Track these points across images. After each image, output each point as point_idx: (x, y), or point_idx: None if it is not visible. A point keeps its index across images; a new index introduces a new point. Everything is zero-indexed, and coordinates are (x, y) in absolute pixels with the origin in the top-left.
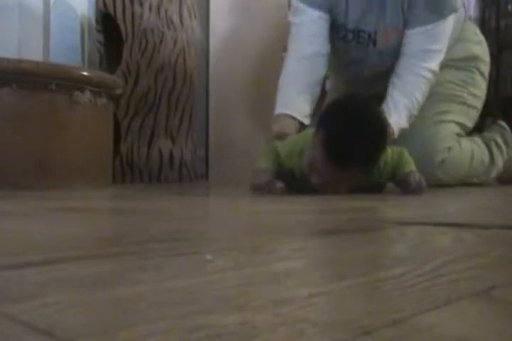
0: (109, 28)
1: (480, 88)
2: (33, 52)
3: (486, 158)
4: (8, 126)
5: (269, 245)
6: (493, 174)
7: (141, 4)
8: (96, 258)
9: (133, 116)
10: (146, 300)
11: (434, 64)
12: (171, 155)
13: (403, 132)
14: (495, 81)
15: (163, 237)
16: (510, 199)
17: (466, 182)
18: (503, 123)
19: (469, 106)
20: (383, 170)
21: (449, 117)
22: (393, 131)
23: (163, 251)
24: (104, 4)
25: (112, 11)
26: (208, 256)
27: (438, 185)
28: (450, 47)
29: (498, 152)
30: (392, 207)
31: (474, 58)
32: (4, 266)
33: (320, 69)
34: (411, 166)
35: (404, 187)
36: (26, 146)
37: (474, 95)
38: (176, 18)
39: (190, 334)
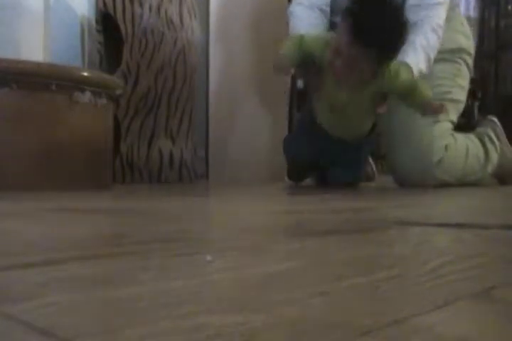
0: (109, 28)
1: (466, 79)
2: (33, 52)
3: (481, 154)
4: (8, 126)
5: (269, 245)
6: (489, 170)
7: (141, 4)
8: (96, 258)
9: (133, 116)
10: (146, 300)
11: (439, 17)
12: (171, 155)
13: (403, 130)
14: (494, 80)
15: (164, 237)
16: (510, 199)
17: (465, 181)
18: (494, 118)
19: (457, 101)
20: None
21: (442, 116)
22: (412, 71)
23: (164, 251)
24: (104, 4)
25: (112, 11)
26: (208, 257)
27: (437, 184)
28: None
29: (493, 147)
30: (392, 207)
31: (461, 50)
32: (4, 266)
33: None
34: (428, 91)
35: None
36: (26, 146)
37: (462, 87)
38: (176, 18)
39: (190, 334)
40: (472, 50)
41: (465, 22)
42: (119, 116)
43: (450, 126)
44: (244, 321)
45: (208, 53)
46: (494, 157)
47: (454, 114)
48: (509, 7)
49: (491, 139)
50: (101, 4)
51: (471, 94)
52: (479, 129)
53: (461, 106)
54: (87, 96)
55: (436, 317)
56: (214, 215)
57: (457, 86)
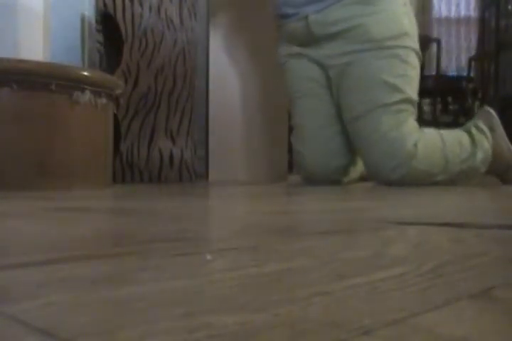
0: (109, 28)
1: (416, 67)
2: (33, 52)
3: (466, 140)
4: (8, 126)
5: (269, 245)
6: (480, 157)
7: (141, 4)
8: (96, 258)
9: (133, 116)
10: (146, 300)
11: None
12: (171, 155)
13: (371, 134)
14: (494, 80)
15: (164, 237)
16: (510, 199)
17: (457, 171)
18: (490, 109)
19: (413, 100)
20: None
21: (404, 114)
22: None
23: (164, 251)
24: (104, 4)
25: (112, 11)
26: (208, 256)
27: (426, 177)
28: (381, 22)
29: (482, 136)
30: (392, 207)
31: (405, 35)
32: (4, 266)
33: None
34: None
35: None
36: (26, 146)
37: (413, 80)
38: (176, 18)
39: (190, 334)
40: (415, 31)
41: (407, 1)
42: (119, 116)
43: (416, 124)
44: (244, 321)
45: (208, 53)
46: (485, 145)
47: (415, 113)
48: (509, 7)
49: (478, 128)
50: (101, 4)
51: (472, 93)
52: (468, 123)
53: (416, 95)
54: (87, 96)
55: (436, 317)
56: (214, 215)
57: (409, 82)
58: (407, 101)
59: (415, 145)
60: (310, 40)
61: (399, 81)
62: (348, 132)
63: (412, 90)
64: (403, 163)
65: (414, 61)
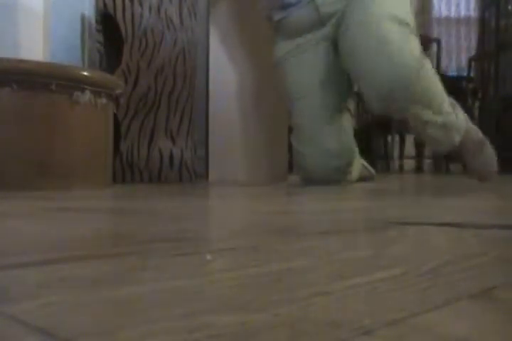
0: (109, 28)
1: (411, 12)
2: (33, 52)
3: (448, 101)
4: (8, 126)
5: (269, 245)
6: (461, 117)
7: (141, 4)
8: (96, 258)
9: (133, 116)
10: (146, 300)
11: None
12: (171, 155)
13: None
14: (494, 80)
15: (164, 237)
16: (510, 199)
17: (440, 119)
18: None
19: (415, 30)
20: None
21: (410, 32)
22: None
23: (164, 251)
24: (104, 4)
25: (112, 11)
26: (208, 256)
27: (417, 106)
28: None
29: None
30: (392, 207)
31: None
32: (4, 266)
33: None
34: None
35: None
36: (26, 146)
37: (411, 17)
38: (175, 18)
39: (190, 334)
40: None
41: None
42: (119, 116)
43: (420, 46)
44: (244, 321)
45: (208, 53)
46: (461, 114)
47: (415, 36)
48: (509, 7)
49: (452, 104)
50: (101, 4)
51: (472, 93)
52: None
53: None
54: (87, 96)
55: (436, 317)
56: (214, 215)
57: (411, 18)
58: (412, 28)
59: (424, 59)
60: (315, 24)
61: (402, 12)
62: (343, 43)
63: (414, 25)
64: (406, 75)
65: (412, 7)
